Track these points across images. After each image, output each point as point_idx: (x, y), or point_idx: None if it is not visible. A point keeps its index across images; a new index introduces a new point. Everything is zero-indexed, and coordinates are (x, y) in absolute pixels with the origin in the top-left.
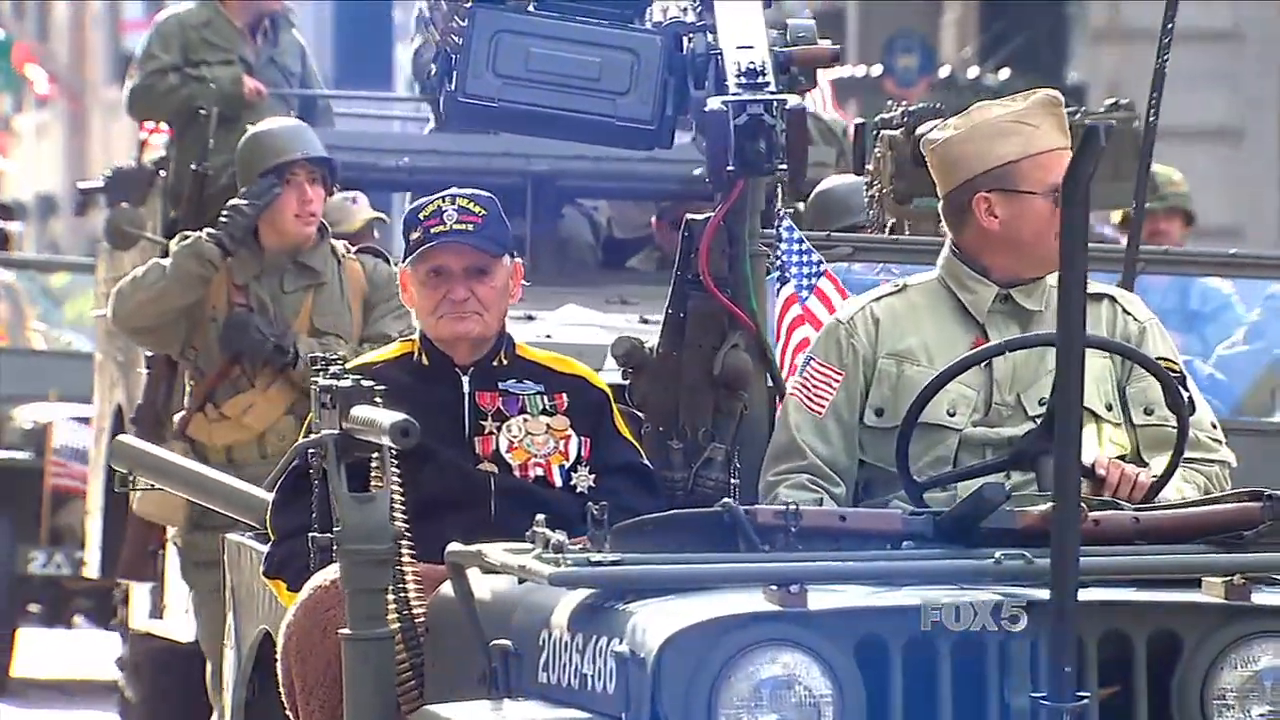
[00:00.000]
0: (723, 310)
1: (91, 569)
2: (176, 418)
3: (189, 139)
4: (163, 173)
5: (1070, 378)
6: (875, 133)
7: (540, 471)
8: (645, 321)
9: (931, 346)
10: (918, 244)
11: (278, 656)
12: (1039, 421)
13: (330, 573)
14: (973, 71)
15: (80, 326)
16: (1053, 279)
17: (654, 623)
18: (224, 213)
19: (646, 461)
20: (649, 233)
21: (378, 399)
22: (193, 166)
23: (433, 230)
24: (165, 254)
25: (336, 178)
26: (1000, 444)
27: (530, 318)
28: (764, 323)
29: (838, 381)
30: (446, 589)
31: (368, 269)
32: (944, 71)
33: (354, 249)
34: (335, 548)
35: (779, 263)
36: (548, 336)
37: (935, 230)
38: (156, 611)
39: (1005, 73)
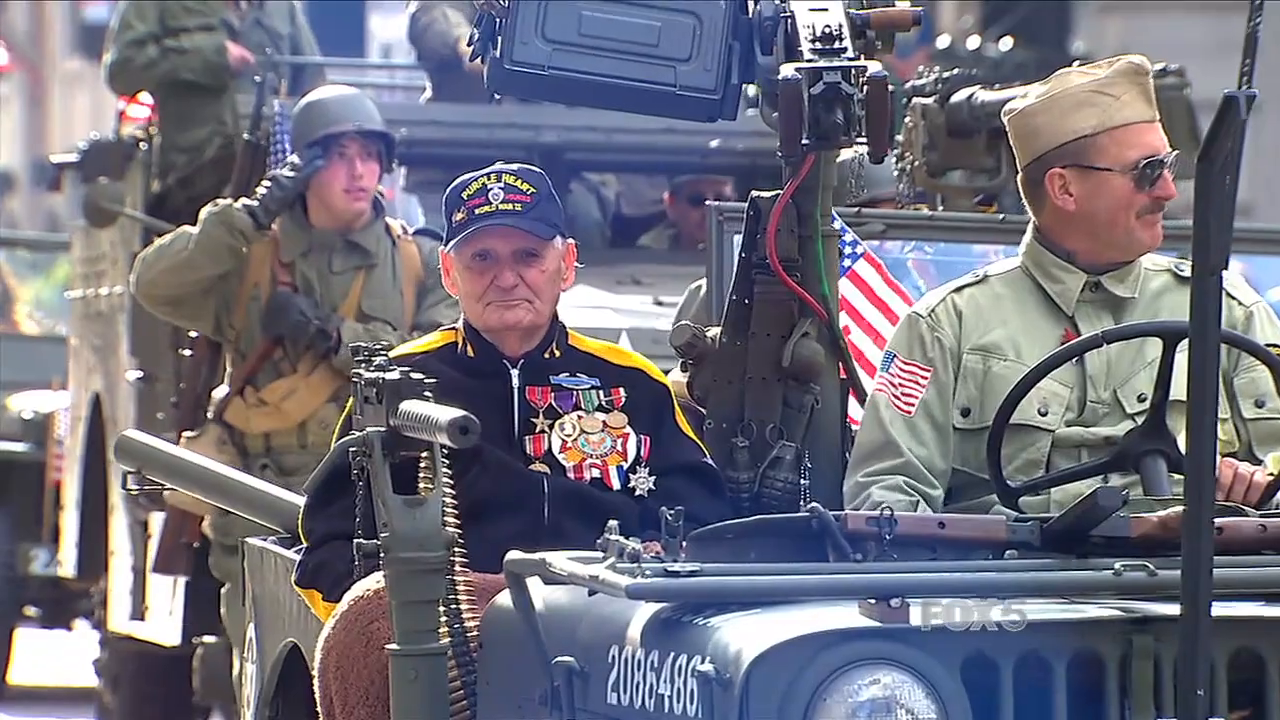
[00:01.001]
0: (792, 296)
1: (68, 568)
2: (214, 398)
3: (172, 111)
4: (143, 146)
5: (1205, 368)
6: (906, 101)
7: (596, 473)
8: (659, 304)
9: (1019, 340)
10: (954, 220)
11: (313, 672)
12: (1139, 419)
13: (373, 582)
14: (973, 42)
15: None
16: (1147, 262)
17: (741, 639)
18: (264, 183)
19: (710, 461)
20: (660, 209)
21: (428, 393)
22: (245, 136)
23: (477, 211)
24: (146, 234)
25: (395, 153)
26: (1097, 444)
27: None
28: (836, 309)
29: (925, 378)
30: (503, 600)
31: (424, 251)
32: (943, 42)
33: (412, 230)
34: (382, 555)
35: None
36: None
37: (970, 205)
38: (138, 613)
39: (1007, 43)
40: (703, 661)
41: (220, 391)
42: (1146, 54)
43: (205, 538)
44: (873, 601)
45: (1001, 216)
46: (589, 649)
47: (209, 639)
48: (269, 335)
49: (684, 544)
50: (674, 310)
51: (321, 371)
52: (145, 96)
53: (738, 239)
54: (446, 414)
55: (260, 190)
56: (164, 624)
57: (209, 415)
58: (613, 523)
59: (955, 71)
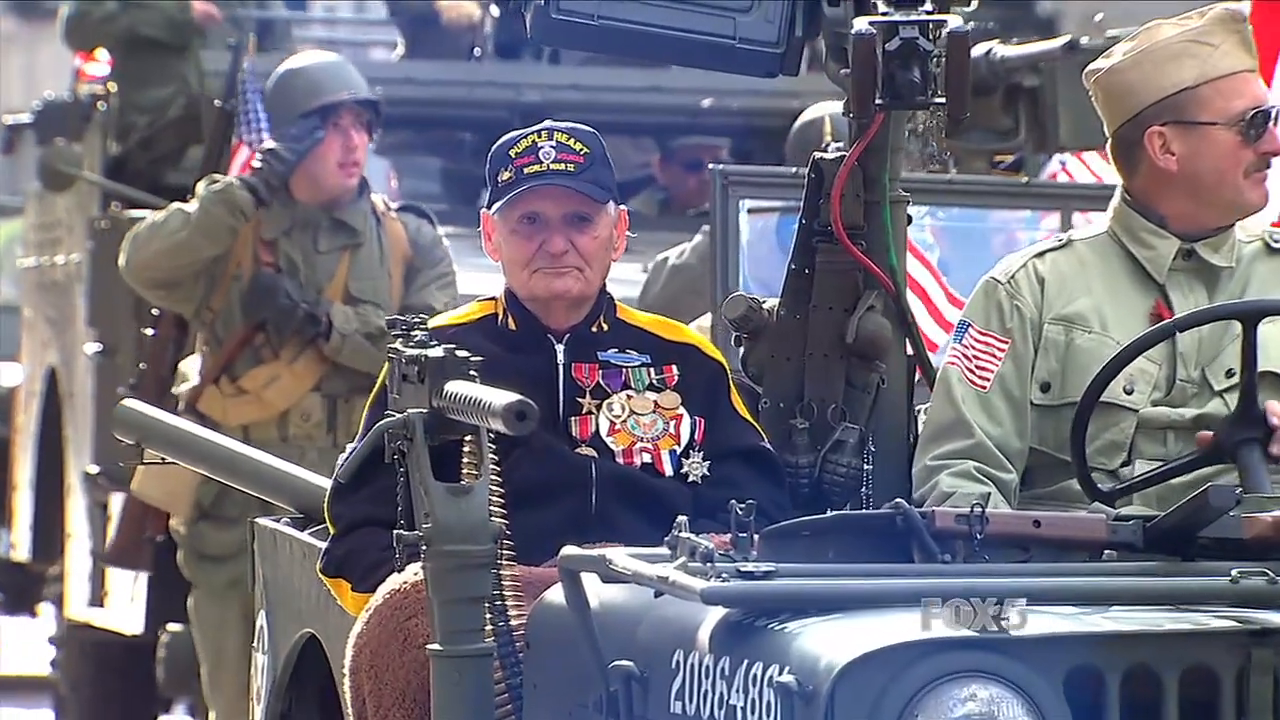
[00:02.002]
0: (856, 266)
1: (21, 550)
2: (183, 389)
3: (132, 69)
4: (102, 106)
5: None
6: None
7: (648, 458)
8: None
9: (1105, 311)
10: (972, 184)
11: (343, 669)
12: (1227, 398)
13: (410, 573)
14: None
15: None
16: (1239, 231)
17: (826, 648)
18: (260, 157)
19: (768, 445)
20: (648, 173)
21: (473, 372)
22: (217, 103)
23: (526, 170)
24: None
25: (382, 122)
26: (1185, 426)
27: None
28: (904, 281)
29: (1002, 350)
30: (552, 597)
31: (410, 230)
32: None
33: (395, 206)
34: (425, 547)
35: None
36: None
37: (988, 168)
38: (97, 599)
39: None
40: (782, 671)
41: (187, 367)
42: (1117, 17)
43: (170, 533)
44: (968, 608)
45: (1025, 180)
46: (650, 652)
47: (174, 627)
48: (251, 319)
49: (755, 541)
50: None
51: (306, 358)
52: (103, 53)
53: (744, 204)
54: (501, 398)
55: (256, 164)
56: (125, 611)
57: (179, 406)
58: (682, 518)
59: (971, 25)
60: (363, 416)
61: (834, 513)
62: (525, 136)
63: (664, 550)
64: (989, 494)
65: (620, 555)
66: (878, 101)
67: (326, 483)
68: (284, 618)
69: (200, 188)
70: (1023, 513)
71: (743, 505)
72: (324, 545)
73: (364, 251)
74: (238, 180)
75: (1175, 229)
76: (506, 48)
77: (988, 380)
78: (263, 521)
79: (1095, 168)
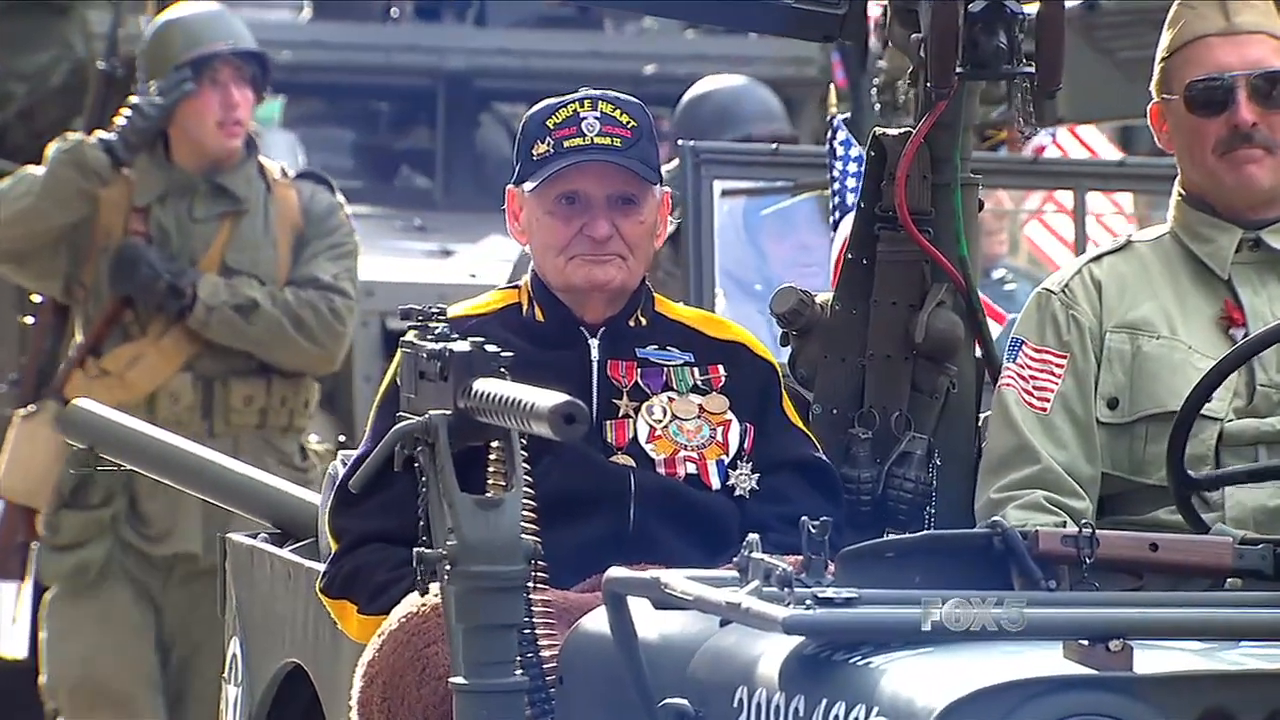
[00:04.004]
0: (923, 256)
1: None
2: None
3: (6, 31)
4: None
5: None
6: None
7: (693, 468)
8: None
9: (1172, 314)
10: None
11: (352, 702)
12: None
13: (429, 596)
14: None
15: None
16: None
17: (923, 687)
18: (123, 113)
19: (823, 456)
20: None
21: (504, 369)
22: (99, 65)
23: (567, 144)
24: None
25: (270, 78)
26: (1275, 438)
27: (447, 252)
28: (976, 274)
29: (1061, 367)
30: (591, 625)
31: (304, 197)
32: None
33: (292, 172)
34: (450, 567)
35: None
36: (472, 276)
37: (980, 144)
38: None
39: None
40: (870, 713)
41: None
42: None
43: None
44: (1084, 643)
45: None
46: (707, 689)
47: None
48: (116, 293)
49: (830, 564)
50: None
51: (173, 335)
52: None
53: (718, 184)
54: (546, 397)
55: (119, 121)
56: (6, 633)
57: (49, 394)
58: (753, 536)
59: None
60: (369, 420)
61: (924, 533)
62: (565, 105)
63: (724, 573)
64: (1064, 523)
65: (678, 578)
66: (958, 70)
67: (305, 494)
68: (262, 645)
69: (51, 149)
70: (1137, 534)
71: (816, 524)
72: (309, 562)
73: (247, 220)
74: (94, 138)
75: (1226, 217)
76: (426, 9)
77: (1048, 401)
78: (236, 537)
79: (1091, 142)
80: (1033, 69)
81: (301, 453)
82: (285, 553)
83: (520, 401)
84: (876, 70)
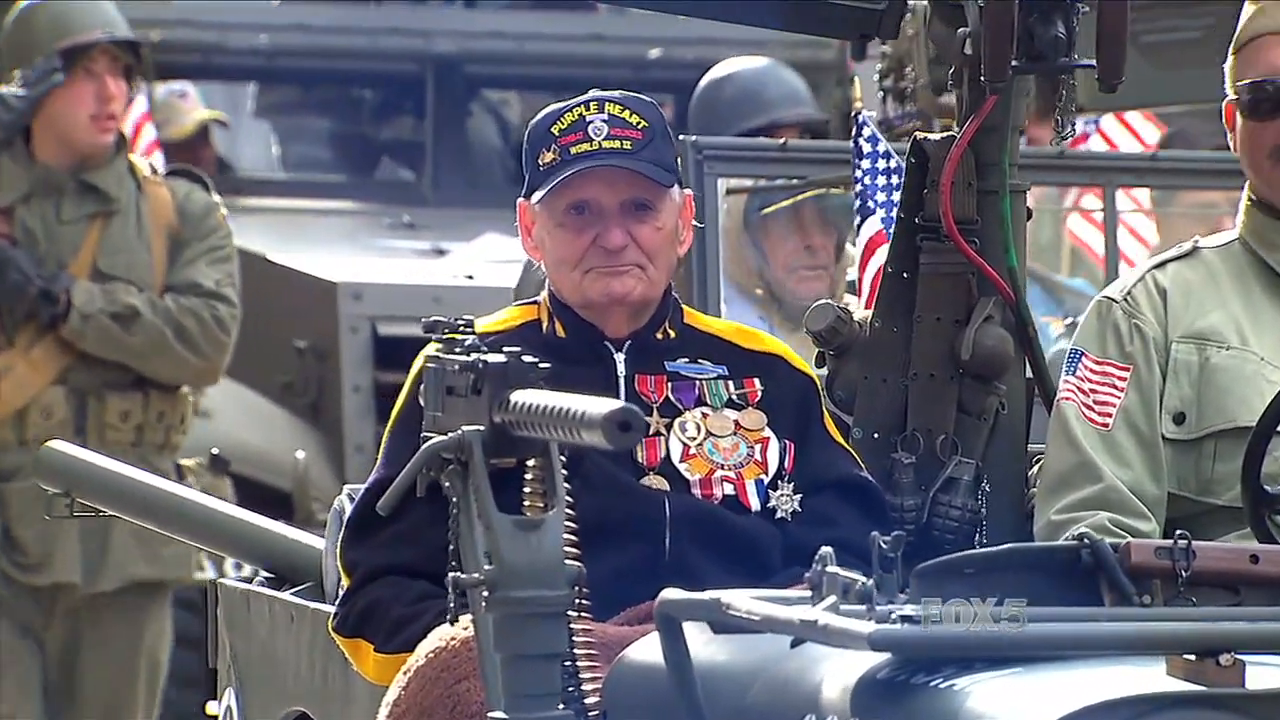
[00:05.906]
0: (969, 268)
1: None
2: None
3: None
4: None
5: None
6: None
7: (730, 489)
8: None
9: (1243, 324)
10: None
11: None
12: None
13: (458, 629)
14: None
15: None
16: None
17: (1017, 710)
18: None
19: (868, 475)
20: None
21: (542, 381)
22: None
23: (574, 150)
24: None
25: (148, 71)
26: None
27: (440, 251)
28: (1024, 287)
29: (1124, 380)
30: (636, 655)
31: (179, 196)
32: None
33: (165, 170)
34: (487, 593)
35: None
36: (469, 278)
37: None
38: None
39: None
40: None
41: None
42: None
43: None
44: (1191, 659)
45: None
46: (770, 718)
47: None
48: None
49: (903, 580)
50: None
51: (45, 345)
52: None
53: (722, 183)
54: (597, 405)
55: None
56: None
57: None
58: (826, 549)
59: None
60: (383, 443)
61: (1006, 546)
62: (570, 109)
63: (789, 592)
64: None
65: (742, 598)
66: (1014, 64)
67: (302, 535)
68: (263, 695)
69: None
70: (1236, 546)
71: (887, 539)
72: (313, 603)
73: (118, 221)
74: None
75: None
76: None
77: (1110, 416)
78: (227, 582)
79: (1138, 129)
80: (1093, 63)
81: (177, 472)
82: (285, 595)
83: (568, 411)
84: (880, 55)
